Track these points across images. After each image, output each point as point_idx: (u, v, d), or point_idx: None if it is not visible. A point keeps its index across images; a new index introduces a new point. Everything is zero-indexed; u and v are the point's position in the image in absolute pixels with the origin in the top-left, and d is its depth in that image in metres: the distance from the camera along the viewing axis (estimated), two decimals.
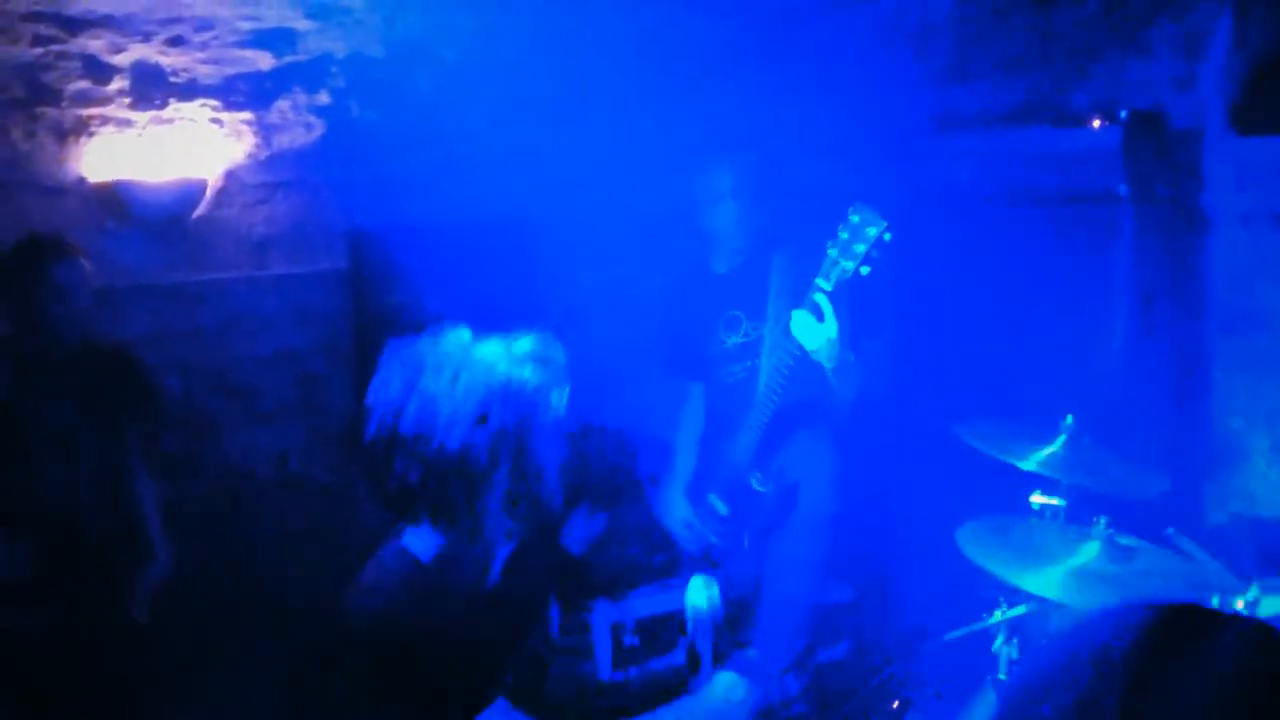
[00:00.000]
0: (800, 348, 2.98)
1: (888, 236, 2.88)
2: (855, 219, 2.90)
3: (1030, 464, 2.87)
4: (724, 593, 3.41)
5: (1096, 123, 3.90)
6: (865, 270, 2.90)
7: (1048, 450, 2.93)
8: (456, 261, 3.87)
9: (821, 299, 2.92)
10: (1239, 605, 2.30)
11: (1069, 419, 2.96)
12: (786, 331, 3.06)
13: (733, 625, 3.53)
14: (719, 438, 3.44)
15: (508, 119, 3.94)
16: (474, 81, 3.85)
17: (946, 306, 4.36)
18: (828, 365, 3.03)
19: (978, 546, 2.69)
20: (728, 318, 3.41)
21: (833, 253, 2.92)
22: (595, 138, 4.11)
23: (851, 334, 3.11)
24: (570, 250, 4.27)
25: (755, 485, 3.31)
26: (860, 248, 2.88)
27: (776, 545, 3.37)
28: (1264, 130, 4.08)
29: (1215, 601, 2.32)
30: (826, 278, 2.92)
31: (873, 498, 4.25)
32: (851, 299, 3.03)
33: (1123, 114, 3.88)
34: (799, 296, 3.03)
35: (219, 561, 3.88)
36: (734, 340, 3.39)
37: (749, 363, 3.35)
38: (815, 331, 2.92)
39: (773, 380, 3.13)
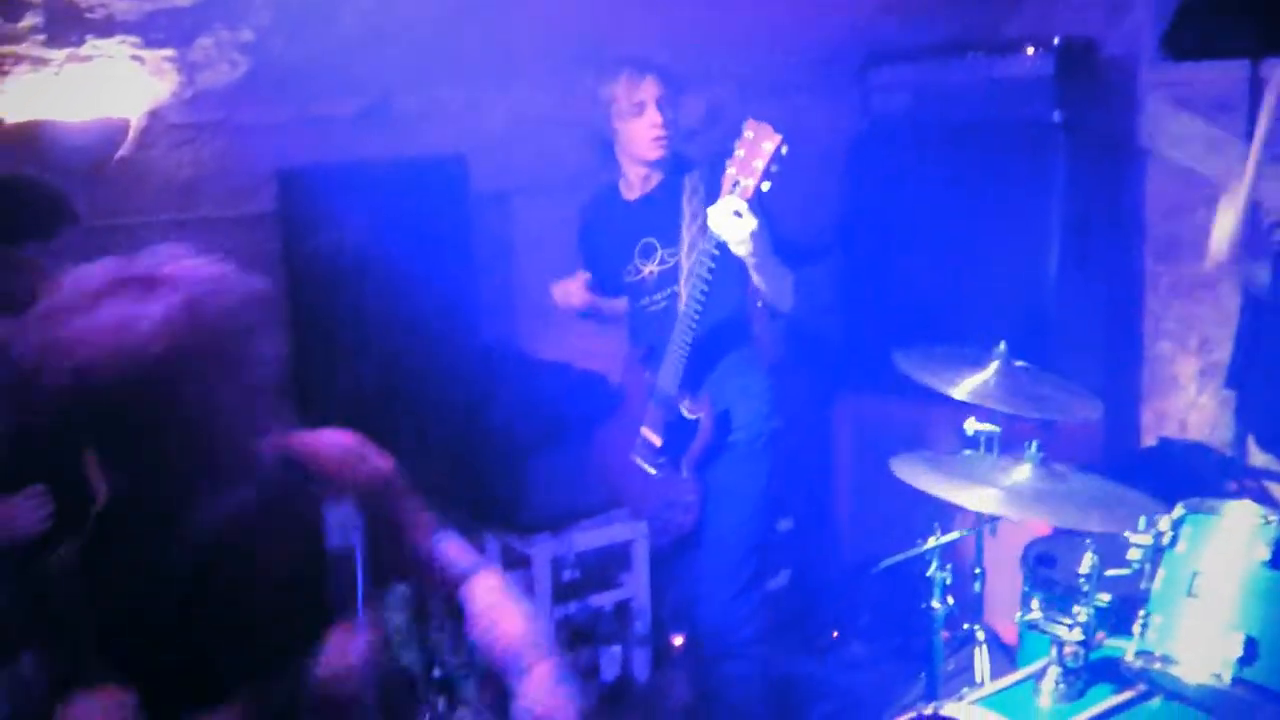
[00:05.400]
0: (720, 248, 2.95)
1: (785, 149, 2.86)
2: (749, 134, 2.89)
3: (961, 392, 2.88)
4: (666, 524, 3.40)
5: (1030, 50, 3.88)
6: (766, 186, 2.89)
7: (980, 377, 2.93)
8: (388, 200, 3.80)
9: (738, 203, 2.88)
10: (1163, 525, 2.32)
11: (1002, 345, 2.96)
12: (702, 255, 3.04)
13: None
14: (647, 368, 3.38)
15: (439, 55, 3.85)
16: (403, 19, 3.76)
17: (884, 236, 4.36)
18: (751, 261, 3.00)
19: (913, 473, 2.69)
20: (642, 246, 3.35)
21: (731, 170, 2.91)
22: (527, 70, 4.05)
23: (785, 254, 3.10)
24: (501, 185, 4.22)
25: (685, 413, 3.28)
26: (759, 163, 2.87)
27: (715, 472, 3.34)
28: (1196, 56, 4.09)
29: (1141, 523, 2.34)
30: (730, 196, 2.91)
31: (811, 425, 4.27)
32: (771, 216, 3.01)
33: (1055, 41, 3.87)
34: None
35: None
36: (650, 269, 3.34)
37: (669, 289, 3.29)
38: (737, 226, 2.89)
39: (692, 302, 3.10)
